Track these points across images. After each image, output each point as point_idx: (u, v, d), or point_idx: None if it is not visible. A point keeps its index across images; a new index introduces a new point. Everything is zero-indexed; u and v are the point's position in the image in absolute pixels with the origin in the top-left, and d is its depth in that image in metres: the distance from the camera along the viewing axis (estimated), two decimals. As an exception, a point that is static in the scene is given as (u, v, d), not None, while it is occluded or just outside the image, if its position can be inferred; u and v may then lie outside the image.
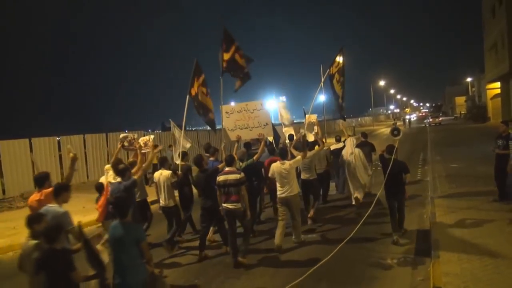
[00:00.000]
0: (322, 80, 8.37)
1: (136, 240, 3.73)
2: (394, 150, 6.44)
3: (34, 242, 3.55)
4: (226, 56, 8.14)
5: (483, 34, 32.75)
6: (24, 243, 3.73)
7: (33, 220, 3.68)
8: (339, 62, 8.36)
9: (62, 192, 4.36)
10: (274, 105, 19.13)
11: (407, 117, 66.28)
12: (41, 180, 4.75)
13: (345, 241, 5.72)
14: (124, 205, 3.94)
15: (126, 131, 18.53)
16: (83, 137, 15.68)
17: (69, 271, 3.28)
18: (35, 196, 4.62)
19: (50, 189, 4.58)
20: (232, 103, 10.55)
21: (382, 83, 72.88)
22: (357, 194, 8.19)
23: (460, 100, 73.43)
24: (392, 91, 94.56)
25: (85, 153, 15.69)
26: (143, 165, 6.17)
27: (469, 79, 63.63)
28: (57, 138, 15.01)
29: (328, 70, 8.44)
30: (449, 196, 8.71)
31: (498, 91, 29.94)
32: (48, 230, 3.44)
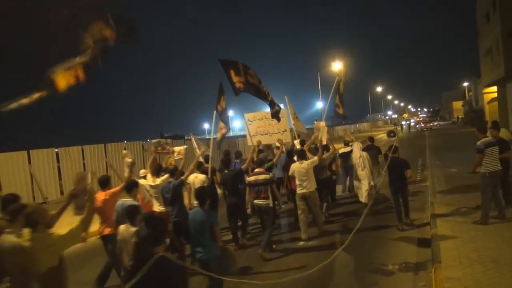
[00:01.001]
0: (333, 86, 8.66)
1: (211, 224, 4.45)
2: (393, 149, 7.24)
3: (134, 229, 3.96)
4: (241, 79, 8.26)
5: (478, 39, 33.01)
6: (125, 230, 4.35)
7: (134, 212, 4.28)
8: (342, 68, 8.71)
9: (133, 188, 5.30)
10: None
11: (404, 122, 66.52)
12: (105, 182, 5.61)
13: (344, 245, 5.67)
14: (204, 195, 4.61)
15: (125, 141, 18.57)
16: (82, 148, 15.62)
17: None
18: (100, 196, 5.37)
19: (114, 189, 5.50)
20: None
21: (379, 89, 73.26)
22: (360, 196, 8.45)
23: (457, 104, 73.83)
24: (389, 97, 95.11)
25: (84, 164, 15.62)
26: (190, 167, 6.77)
27: (465, 84, 64.04)
28: (56, 150, 14.96)
29: (337, 77, 8.75)
30: (449, 200, 8.72)
31: (495, 95, 30.01)
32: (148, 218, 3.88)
